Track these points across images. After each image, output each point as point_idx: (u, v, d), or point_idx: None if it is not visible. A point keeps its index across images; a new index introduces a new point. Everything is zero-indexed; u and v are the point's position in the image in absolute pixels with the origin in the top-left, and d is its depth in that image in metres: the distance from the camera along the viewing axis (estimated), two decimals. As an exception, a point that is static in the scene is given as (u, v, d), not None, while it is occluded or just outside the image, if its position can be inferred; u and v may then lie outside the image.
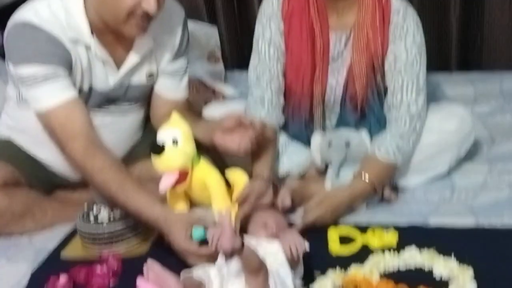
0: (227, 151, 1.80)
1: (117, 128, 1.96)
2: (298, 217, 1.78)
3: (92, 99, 1.87)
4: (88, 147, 1.72)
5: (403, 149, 1.87)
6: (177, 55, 1.97)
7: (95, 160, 1.71)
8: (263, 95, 1.97)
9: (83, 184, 2.00)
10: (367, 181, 1.82)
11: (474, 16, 2.79)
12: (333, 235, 1.70)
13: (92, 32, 1.78)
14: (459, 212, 1.79)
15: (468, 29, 2.82)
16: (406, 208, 1.85)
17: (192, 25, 2.88)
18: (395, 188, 1.93)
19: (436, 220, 1.76)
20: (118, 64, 1.87)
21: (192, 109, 2.15)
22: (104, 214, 1.78)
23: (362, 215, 1.83)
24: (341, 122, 2.00)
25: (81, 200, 1.94)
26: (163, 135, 1.74)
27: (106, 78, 1.86)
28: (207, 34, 2.92)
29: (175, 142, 1.72)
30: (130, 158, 2.05)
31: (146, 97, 2.01)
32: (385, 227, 1.71)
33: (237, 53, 3.08)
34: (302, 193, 1.88)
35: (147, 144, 1.80)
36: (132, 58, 1.87)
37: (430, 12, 2.81)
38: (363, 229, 1.72)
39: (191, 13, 2.96)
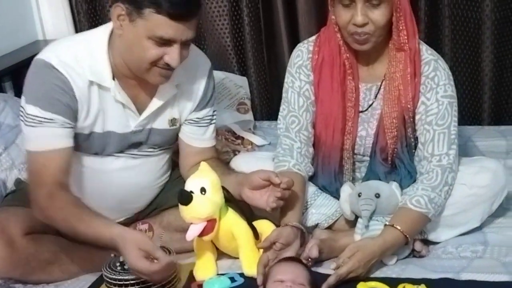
0: (255, 207, 1.83)
1: (142, 170, 1.98)
2: (330, 270, 1.74)
3: (113, 142, 1.90)
4: (52, 192, 1.76)
5: (435, 201, 1.84)
6: (201, 105, 2.00)
7: (55, 201, 1.75)
8: (292, 144, 1.97)
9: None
10: (399, 228, 1.77)
11: (507, 68, 2.77)
12: (362, 290, 1.66)
13: (114, 77, 1.82)
14: (492, 268, 1.74)
15: (502, 82, 2.80)
16: (438, 263, 1.80)
17: (222, 75, 2.93)
18: (426, 242, 1.89)
19: (468, 276, 1.71)
20: (140, 108, 1.90)
21: (220, 159, 2.16)
22: (130, 262, 1.77)
23: (392, 270, 1.79)
24: (371, 174, 1.98)
25: (108, 248, 1.95)
26: (192, 184, 1.74)
27: (127, 121, 1.89)
28: (237, 84, 2.94)
29: (203, 191, 1.72)
30: (158, 206, 2.06)
31: (169, 142, 2.03)
32: (416, 282, 1.67)
33: (266, 104, 3.10)
34: (330, 245, 1.85)
35: (175, 192, 1.81)
36: (154, 103, 1.90)
37: (462, 64, 2.80)
38: (394, 283, 1.67)
39: (222, 64, 3.01)
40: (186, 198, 1.69)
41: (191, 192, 1.71)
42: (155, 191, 2.06)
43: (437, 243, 1.91)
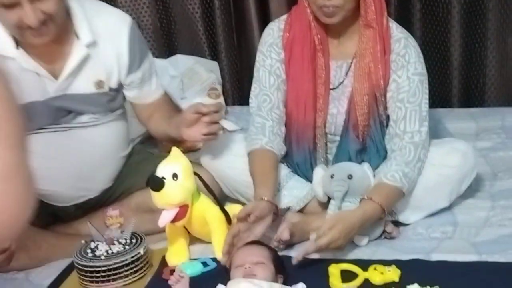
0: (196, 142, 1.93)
1: (94, 142, 1.95)
2: (311, 242, 1.72)
3: (39, 113, 1.85)
4: None
5: (409, 175, 1.85)
6: (133, 66, 1.97)
7: None
8: (264, 123, 1.97)
9: (78, 216, 2.01)
10: (376, 201, 1.78)
11: (476, 52, 2.79)
12: (334, 271, 1.67)
13: (18, 46, 1.80)
14: (462, 249, 1.77)
15: (470, 65, 2.82)
16: (408, 245, 1.82)
17: (193, 60, 2.92)
18: (396, 224, 1.91)
19: (438, 256, 1.73)
20: (56, 73, 1.86)
21: (169, 105, 2.16)
22: (102, 249, 1.76)
23: (364, 252, 1.80)
24: (341, 153, 1.98)
25: (77, 234, 1.95)
26: (163, 170, 1.73)
27: (44, 88, 1.86)
28: (208, 69, 2.93)
29: (175, 177, 1.71)
30: (126, 190, 2.05)
31: (106, 108, 1.97)
32: (387, 263, 1.68)
33: (238, 89, 3.09)
34: (302, 228, 1.86)
35: (142, 175, 1.84)
36: (68, 66, 1.86)
37: (432, 47, 2.82)
38: (365, 265, 1.69)
39: (193, 48, 2.99)
40: (158, 184, 1.68)
41: (163, 178, 1.70)
42: (114, 165, 2.03)
43: (407, 224, 1.93)
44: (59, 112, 1.89)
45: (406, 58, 1.91)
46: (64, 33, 1.84)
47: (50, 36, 1.77)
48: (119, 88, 1.98)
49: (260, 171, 1.89)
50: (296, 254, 1.72)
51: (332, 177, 1.87)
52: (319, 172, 1.93)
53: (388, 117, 1.95)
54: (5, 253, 1.82)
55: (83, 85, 1.90)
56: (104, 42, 1.90)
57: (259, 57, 2.03)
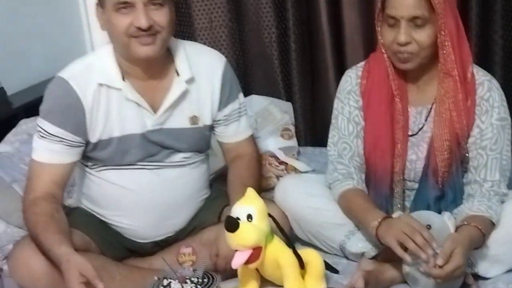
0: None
1: (179, 183, 2.00)
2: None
3: (134, 146, 1.92)
4: (36, 199, 1.85)
5: (493, 208, 1.82)
6: (223, 102, 2.03)
7: (36, 207, 1.82)
8: (349, 170, 1.98)
9: (153, 252, 2.04)
10: (475, 226, 1.74)
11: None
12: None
13: (123, 78, 1.88)
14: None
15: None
16: (487, 299, 1.76)
17: (268, 100, 2.94)
18: (476, 278, 1.85)
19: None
20: (155, 107, 1.93)
21: (255, 158, 2.15)
22: (174, 287, 1.76)
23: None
24: (419, 200, 1.95)
25: (150, 268, 1.98)
26: (238, 211, 1.74)
27: (143, 120, 1.92)
28: (282, 110, 2.94)
29: (249, 218, 1.71)
30: (198, 225, 2.07)
31: (197, 145, 2.02)
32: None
33: (310, 130, 3.09)
34: (376, 277, 1.82)
35: (214, 211, 1.91)
36: (167, 100, 1.93)
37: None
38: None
39: (268, 89, 3.02)
40: (233, 225, 1.68)
41: (238, 218, 1.71)
42: (195, 206, 2.07)
43: (487, 279, 1.87)
44: (153, 147, 1.95)
45: (490, 102, 1.88)
46: (165, 70, 1.94)
47: (155, 49, 1.84)
48: (212, 125, 2.04)
49: (361, 202, 1.90)
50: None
51: (428, 227, 1.79)
52: None
53: (468, 162, 1.91)
54: None
55: (179, 120, 1.97)
56: (200, 79, 1.98)
57: (337, 104, 2.03)
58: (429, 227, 1.80)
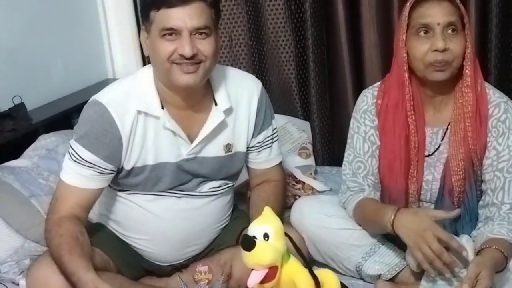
0: None
1: (204, 212, 1.99)
2: None
3: (167, 173, 1.90)
4: (61, 220, 1.83)
5: None
6: (258, 129, 2.02)
7: (60, 228, 1.81)
8: (361, 187, 1.97)
9: (170, 272, 2.03)
10: (496, 248, 1.73)
11: None
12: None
13: (162, 106, 1.86)
14: None
15: None
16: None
17: (285, 119, 2.94)
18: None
19: None
20: (191, 136, 1.91)
21: (282, 185, 2.14)
22: (190, 305, 1.76)
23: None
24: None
25: (167, 287, 1.98)
26: (255, 229, 1.73)
27: (178, 149, 1.90)
28: (300, 128, 2.95)
29: (266, 237, 1.70)
30: (216, 246, 2.06)
31: (228, 173, 2.01)
32: None
33: (328, 149, 3.09)
34: (393, 299, 1.81)
35: (233, 232, 1.85)
36: (204, 130, 1.91)
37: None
38: None
39: (286, 108, 3.03)
40: (249, 243, 1.67)
41: (254, 237, 1.70)
42: (217, 232, 2.07)
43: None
44: (185, 176, 1.94)
45: (506, 124, 1.88)
46: (204, 100, 1.91)
47: (196, 78, 1.81)
48: (246, 152, 2.03)
49: (373, 203, 1.92)
50: None
51: None
52: None
53: (482, 182, 1.90)
54: None
55: (214, 148, 1.96)
56: (238, 107, 1.97)
57: (353, 124, 2.03)
58: (446, 248, 1.78)
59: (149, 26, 1.81)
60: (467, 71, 1.86)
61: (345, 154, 2.05)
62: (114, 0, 3.03)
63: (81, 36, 2.98)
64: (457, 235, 1.91)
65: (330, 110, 3.05)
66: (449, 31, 1.81)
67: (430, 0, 1.83)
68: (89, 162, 1.84)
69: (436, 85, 1.89)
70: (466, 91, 1.87)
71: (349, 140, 2.05)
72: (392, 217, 1.79)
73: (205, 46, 1.79)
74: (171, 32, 1.76)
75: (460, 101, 1.89)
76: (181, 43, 1.76)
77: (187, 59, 1.77)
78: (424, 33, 1.82)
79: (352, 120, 2.05)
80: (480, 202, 1.91)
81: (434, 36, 1.81)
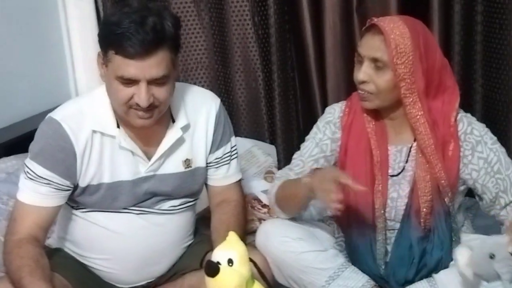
0: None
1: (165, 230, 1.97)
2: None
3: (124, 192, 1.89)
4: (21, 242, 1.80)
5: None
6: (215, 145, 2.01)
7: (20, 250, 1.78)
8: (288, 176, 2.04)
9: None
10: None
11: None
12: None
13: (118, 125, 1.85)
14: None
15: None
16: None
17: (251, 143, 2.94)
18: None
19: None
20: (149, 154, 1.90)
21: (241, 205, 2.11)
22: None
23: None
24: (401, 239, 1.95)
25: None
26: (219, 255, 1.71)
27: (136, 167, 1.89)
28: (266, 152, 2.94)
29: (230, 262, 1.69)
30: (179, 270, 2.03)
31: (188, 190, 2.00)
32: None
33: (294, 173, 3.08)
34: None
35: (196, 256, 1.87)
36: (161, 147, 1.91)
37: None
38: None
39: (253, 132, 3.04)
40: (213, 269, 1.66)
41: (218, 263, 1.69)
42: (179, 252, 2.04)
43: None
44: (143, 195, 1.92)
45: (475, 133, 1.92)
46: (161, 117, 1.88)
47: (150, 121, 1.82)
48: (205, 167, 2.02)
49: (294, 179, 1.98)
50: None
51: (492, 257, 1.69)
52: (465, 253, 1.72)
53: (452, 207, 1.92)
54: None
55: (173, 164, 1.94)
56: (196, 123, 1.97)
57: (313, 130, 2.10)
58: (492, 256, 1.69)
59: (106, 59, 1.77)
60: (405, 108, 1.90)
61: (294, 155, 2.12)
62: (78, 24, 3.01)
63: (44, 59, 2.95)
64: (426, 256, 1.92)
65: (296, 135, 3.05)
66: (375, 65, 1.86)
67: (370, 32, 1.88)
68: (45, 178, 1.82)
69: (384, 112, 1.95)
70: (416, 125, 1.90)
71: (303, 143, 2.10)
72: (308, 179, 1.86)
73: (162, 93, 1.78)
74: (128, 80, 1.74)
75: (416, 126, 1.91)
76: (138, 91, 1.74)
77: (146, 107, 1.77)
78: (359, 60, 1.91)
79: (313, 127, 2.10)
80: (497, 207, 1.91)
81: (360, 66, 1.89)
